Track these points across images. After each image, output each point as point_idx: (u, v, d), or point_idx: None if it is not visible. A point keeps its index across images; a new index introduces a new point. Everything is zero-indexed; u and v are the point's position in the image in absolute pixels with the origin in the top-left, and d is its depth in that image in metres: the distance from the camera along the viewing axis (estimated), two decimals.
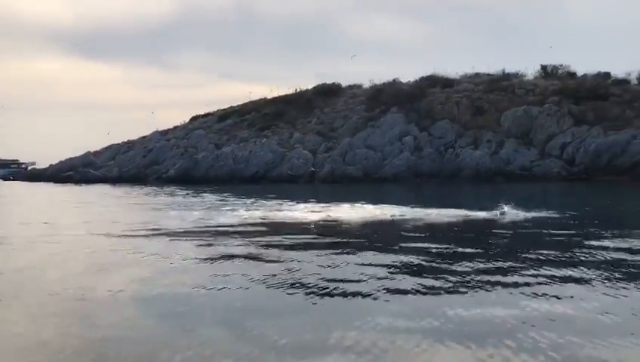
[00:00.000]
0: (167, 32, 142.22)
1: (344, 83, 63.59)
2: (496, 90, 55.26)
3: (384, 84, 60.60)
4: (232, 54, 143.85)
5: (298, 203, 24.06)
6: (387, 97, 57.02)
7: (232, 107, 60.92)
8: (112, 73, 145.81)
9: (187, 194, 34.50)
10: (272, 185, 47.76)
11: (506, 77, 59.04)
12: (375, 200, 23.25)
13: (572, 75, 58.80)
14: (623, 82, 55.47)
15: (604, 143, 47.83)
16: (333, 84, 61.83)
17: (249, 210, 20.66)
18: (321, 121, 56.85)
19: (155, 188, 44.45)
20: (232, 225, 15.82)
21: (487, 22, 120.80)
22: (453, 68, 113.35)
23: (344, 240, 12.95)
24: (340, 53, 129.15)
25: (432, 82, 59.59)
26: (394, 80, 61.26)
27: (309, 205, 22.77)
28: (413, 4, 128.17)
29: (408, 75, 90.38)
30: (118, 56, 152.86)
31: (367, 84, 62.14)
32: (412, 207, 19.58)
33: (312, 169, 51.18)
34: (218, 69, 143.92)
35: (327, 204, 22.33)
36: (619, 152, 47.38)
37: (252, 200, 26.65)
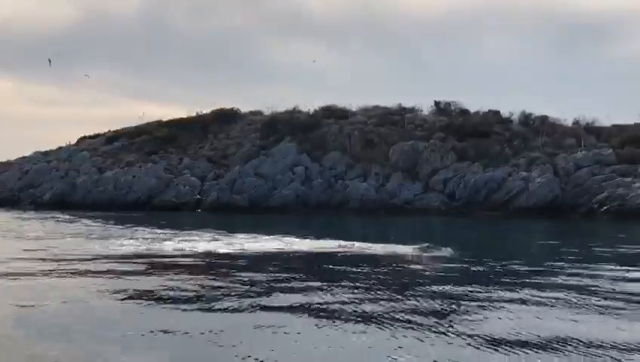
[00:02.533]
0: (69, 43, 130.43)
1: (248, 108, 63.17)
2: (387, 124, 56.53)
3: (284, 112, 60.62)
4: (139, 72, 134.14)
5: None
6: (283, 126, 56.98)
7: (124, 128, 58.71)
8: (1, 85, 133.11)
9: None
10: (154, 212, 46.03)
11: (401, 111, 60.57)
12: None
13: (464, 111, 61.22)
14: (506, 121, 58.32)
15: (482, 179, 49.72)
16: (232, 109, 61.12)
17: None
18: (214, 147, 55.85)
19: (24, 213, 41.70)
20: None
21: (407, 56, 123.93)
22: (365, 98, 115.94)
23: None
24: (250, 77, 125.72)
25: (329, 113, 60.24)
26: (294, 108, 61.46)
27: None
28: (334, 31, 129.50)
29: (315, 103, 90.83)
30: (9, 66, 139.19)
31: (267, 111, 61.93)
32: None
33: (198, 196, 49.90)
34: (122, 87, 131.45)
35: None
36: (495, 188, 49.41)
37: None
